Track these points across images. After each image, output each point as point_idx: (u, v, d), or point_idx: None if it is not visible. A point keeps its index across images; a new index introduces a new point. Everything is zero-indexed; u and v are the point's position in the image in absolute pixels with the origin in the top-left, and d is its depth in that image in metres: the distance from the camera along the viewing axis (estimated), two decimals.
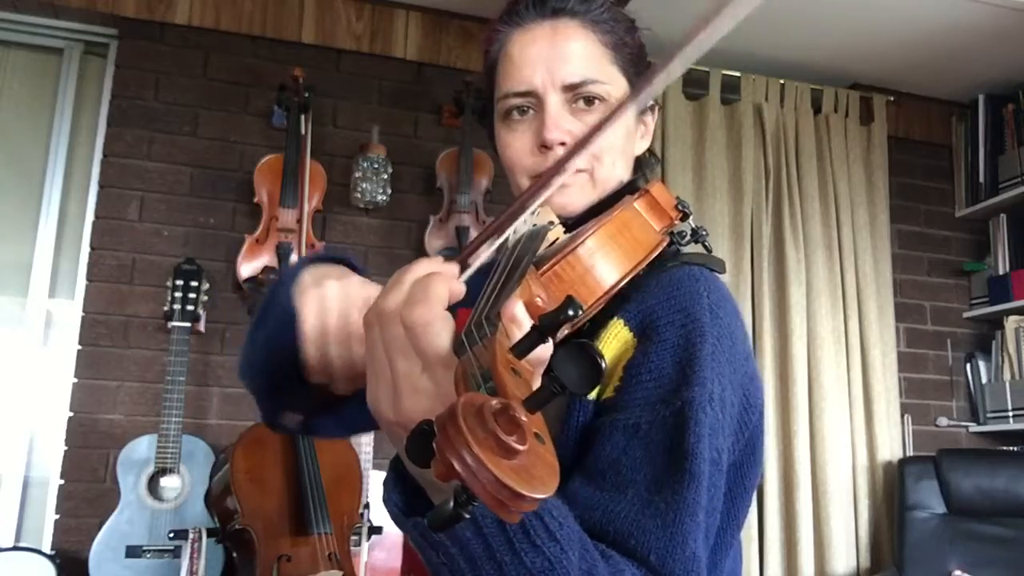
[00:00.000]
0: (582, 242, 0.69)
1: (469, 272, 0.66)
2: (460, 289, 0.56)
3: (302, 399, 0.77)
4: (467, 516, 0.40)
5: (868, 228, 3.24)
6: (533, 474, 0.39)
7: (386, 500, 0.59)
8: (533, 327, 0.47)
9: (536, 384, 0.44)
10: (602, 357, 0.41)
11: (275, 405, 0.80)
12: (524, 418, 0.40)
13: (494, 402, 0.40)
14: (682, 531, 0.64)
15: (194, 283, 2.49)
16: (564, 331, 0.47)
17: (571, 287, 0.67)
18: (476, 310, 0.53)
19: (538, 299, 0.59)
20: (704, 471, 0.66)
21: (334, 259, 0.78)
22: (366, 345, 0.56)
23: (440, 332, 0.52)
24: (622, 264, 0.71)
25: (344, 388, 0.73)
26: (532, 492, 0.38)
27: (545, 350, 0.52)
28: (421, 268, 0.57)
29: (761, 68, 3.20)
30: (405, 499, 0.59)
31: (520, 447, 0.39)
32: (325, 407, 0.80)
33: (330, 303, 0.70)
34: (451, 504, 0.40)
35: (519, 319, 0.55)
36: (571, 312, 0.46)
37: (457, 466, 0.38)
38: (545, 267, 0.68)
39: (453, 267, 0.60)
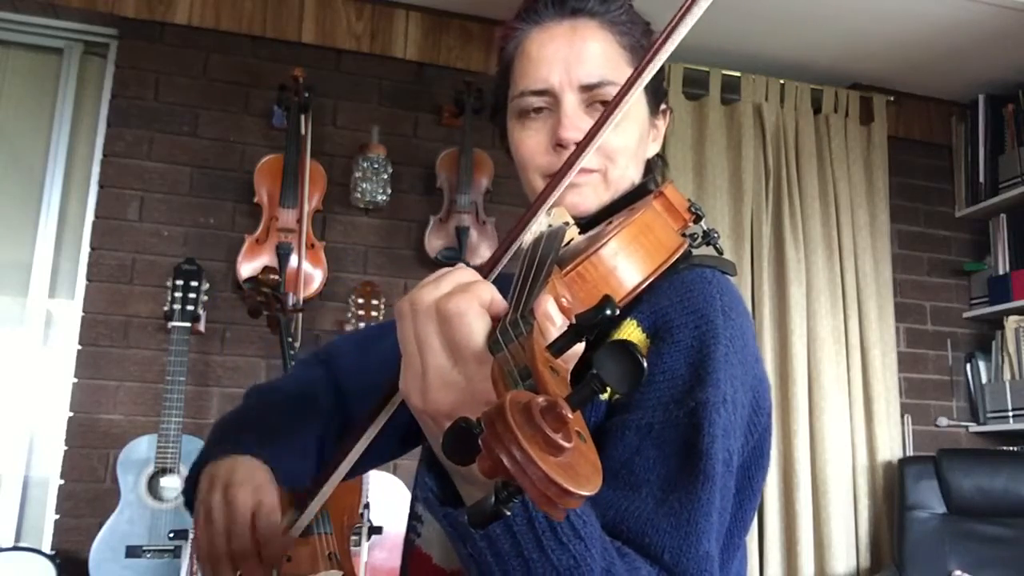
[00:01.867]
0: (605, 243, 0.69)
1: (491, 277, 0.66)
2: (501, 301, 0.55)
3: None
4: (508, 513, 0.40)
5: (868, 228, 3.24)
6: (579, 472, 0.40)
7: (420, 485, 0.59)
8: (571, 326, 0.47)
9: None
10: (644, 356, 0.41)
11: None
12: (570, 415, 0.40)
13: (541, 399, 0.40)
14: (696, 530, 0.64)
15: (194, 283, 2.49)
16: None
17: (594, 287, 0.68)
18: (508, 308, 0.53)
19: (563, 299, 0.59)
20: (718, 472, 0.66)
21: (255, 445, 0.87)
22: (399, 334, 0.56)
23: (475, 324, 0.52)
24: (644, 265, 0.72)
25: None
26: (579, 489, 0.39)
27: (577, 348, 0.52)
28: (465, 272, 0.58)
29: (761, 68, 3.20)
30: (440, 484, 0.59)
31: (567, 444, 0.40)
32: None
33: (215, 516, 0.79)
34: (492, 500, 0.40)
35: (553, 316, 0.55)
36: (608, 312, 0.46)
37: (506, 462, 0.38)
38: (569, 267, 0.68)
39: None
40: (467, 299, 0.53)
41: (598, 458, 0.43)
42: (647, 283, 0.71)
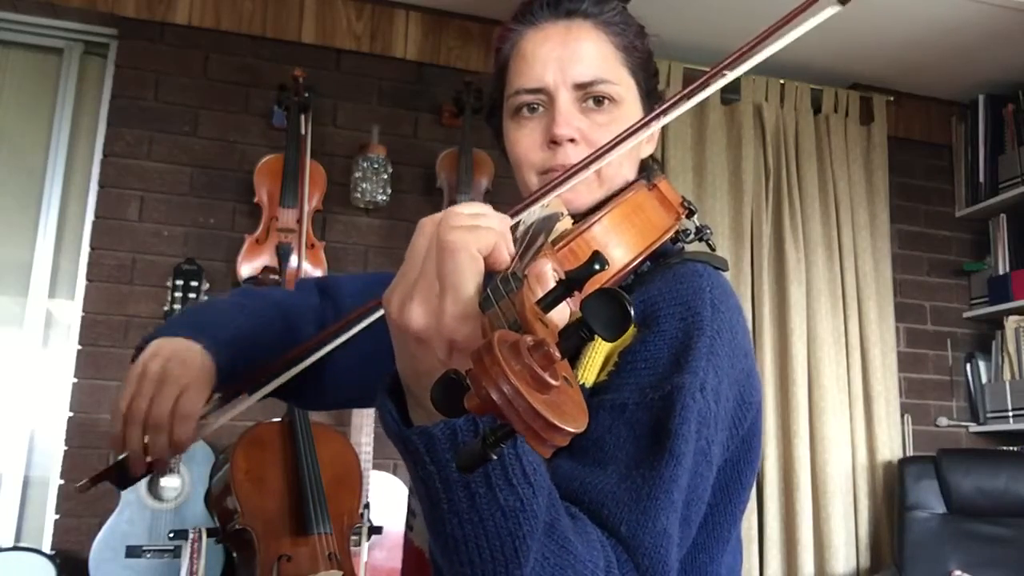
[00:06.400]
0: (598, 220, 0.71)
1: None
2: (503, 252, 0.55)
3: None
4: (495, 457, 0.40)
5: (868, 228, 3.24)
6: (564, 410, 0.40)
7: (380, 408, 0.59)
8: (560, 281, 0.48)
9: None
10: (631, 304, 0.41)
11: None
12: (557, 356, 0.41)
13: (528, 338, 0.41)
14: (655, 506, 0.64)
15: (194, 283, 2.49)
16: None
17: None
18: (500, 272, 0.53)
19: (555, 272, 0.60)
20: (685, 453, 0.66)
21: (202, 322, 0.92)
22: (411, 242, 0.57)
23: (465, 264, 0.52)
24: (636, 243, 0.72)
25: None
26: (566, 424, 0.39)
27: (564, 313, 0.53)
28: (484, 212, 0.57)
29: (761, 68, 3.18)
30: (398, 407, 0.59)
31: (554, 382, 0.40)
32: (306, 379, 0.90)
33: (147, 380, 0.84)
34: (480, 444, 0.40)
35: (545, 280, 0.56)
36: (597, 266, 0.47)
37: (494, 395, 0.39)
38: (561, 243, 0.69)
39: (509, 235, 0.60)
40: (468, 238, 0.53)
41: (584, 402, 0.43)
42: (638, 260, 0.72)
